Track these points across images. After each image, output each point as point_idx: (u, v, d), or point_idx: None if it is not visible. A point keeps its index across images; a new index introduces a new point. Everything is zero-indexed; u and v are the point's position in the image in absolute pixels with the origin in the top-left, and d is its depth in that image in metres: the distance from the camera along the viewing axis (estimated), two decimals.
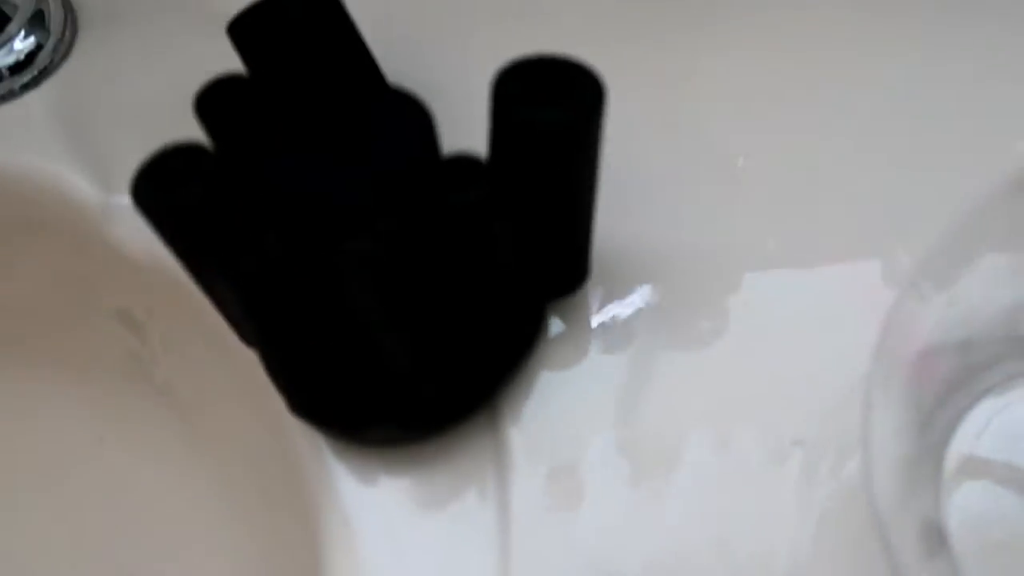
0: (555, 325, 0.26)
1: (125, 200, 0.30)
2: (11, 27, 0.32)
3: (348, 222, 0.18)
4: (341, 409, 0.23)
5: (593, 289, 0.26)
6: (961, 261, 0.22)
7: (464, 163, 0.19)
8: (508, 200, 0.20)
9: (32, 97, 0.32)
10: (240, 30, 0.25)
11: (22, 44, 0.32)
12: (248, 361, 0.26)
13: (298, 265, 0.20)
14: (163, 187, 0.20)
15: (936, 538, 0.23)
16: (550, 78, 0.20)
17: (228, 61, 0.30)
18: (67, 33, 0.33)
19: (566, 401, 0.25)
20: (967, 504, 0.24)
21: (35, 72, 0.32)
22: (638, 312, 0.26)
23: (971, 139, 0.29)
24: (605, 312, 0.26)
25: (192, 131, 0.30)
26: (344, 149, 0.20)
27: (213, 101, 0.22)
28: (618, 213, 0.27)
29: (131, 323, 0.35)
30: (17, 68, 0.32)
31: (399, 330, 0.20)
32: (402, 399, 0.23)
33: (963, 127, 0.29)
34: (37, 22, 0.32)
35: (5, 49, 0.32)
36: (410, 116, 0.21)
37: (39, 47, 0.32)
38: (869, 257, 0.27)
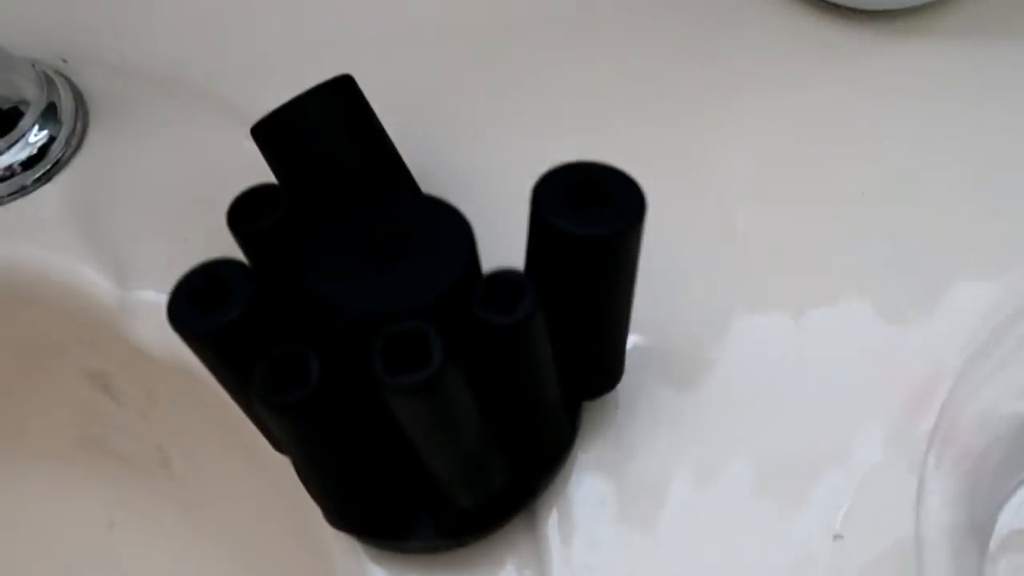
0: (585, 412, 0.26)
1: (143, 295, 0.30)
2: (24, 121, 0.32)
3: (395, 345, 0.18)
4: (381, 520, 0.23)
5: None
6: (1014, 346, 0.22)
7: (509, 280, 0.19)
8: (549, 310, 0.20)
9: (45, 191, 0.32)
10: (264, 133, 0.25)
11: (35, 137, 0.32)
12: (277, 462, 0.26)
13: (340, 384, 0.19)
14: (201, 308, 0.20)
15: None
16: (590, 187, 0.20)
17: (241, 152, 0.30)
18: (79, 125, 0.33)
19: (602, 494, 0.25)
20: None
21: (48, 166, 0.32)
22: (665, 396, 0.26)
23: (979, 210, 0.29)
24: (633, 399, 0.26)
25: (208, 222, 0.30)
26: (384, 262, 0.20)
27: (246, 213, 0.22)
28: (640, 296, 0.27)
29: (146, 412, 0.35)
30: (29, 163, 0.32)
31: (445, 447, 0.20)
32: (443, 509, 0.23)
33: (966, 201, 0.29)
34: (49, 114, 0.32)
35: (20, 144, 0.31)
36: (449, 227, 0.21)
37: (51, 140, 0.32)
38: (890, 333, 0.27)
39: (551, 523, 0.24)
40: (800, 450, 0.25)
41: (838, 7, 0.33)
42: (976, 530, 0.24)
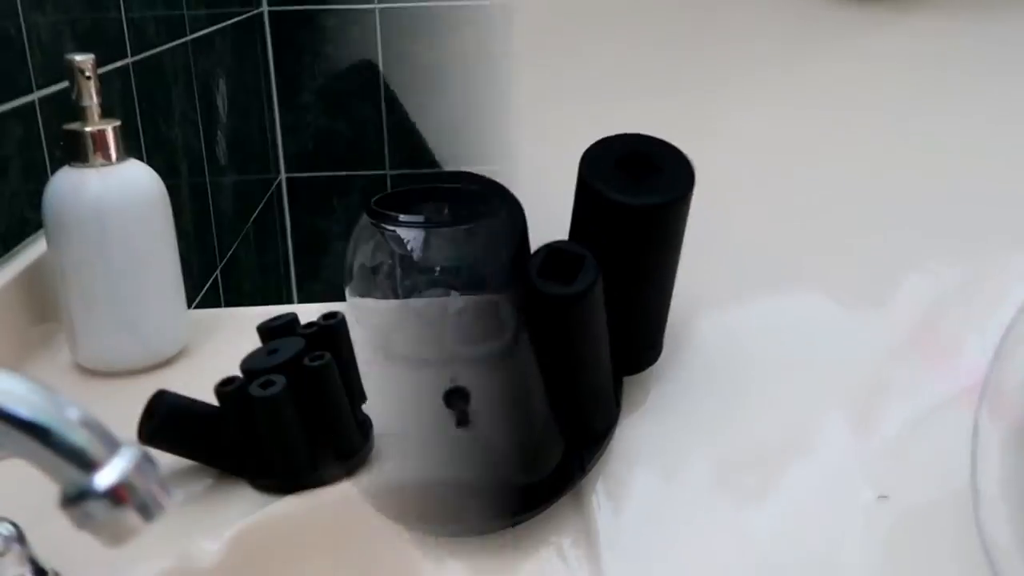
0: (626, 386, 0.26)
1: None
2: None
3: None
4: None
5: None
6: None
7: (565, 251, 0.19)
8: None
9: None
10: None
11: None
12: None
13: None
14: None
15: None
16: (638, 157, 0.20)
17: None
18: None
19: (647, 469, 0.25)
20: None
21: None
22: (703, 368, 0.26)
23: (992, 185, 0.29)
24: (669, 372, 0.26)
25: None
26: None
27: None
28: None
29: None
30: None
31: (505, 424, 0.20)
32: (495, 488, 0.22)
33: (981, 180, 0.30)
34: None
35: None
36: (497, 202, 0.21)
37: None
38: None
39: (597, 500, 0.24)
40: (816, 416, 0.25)
41: None
42: None
